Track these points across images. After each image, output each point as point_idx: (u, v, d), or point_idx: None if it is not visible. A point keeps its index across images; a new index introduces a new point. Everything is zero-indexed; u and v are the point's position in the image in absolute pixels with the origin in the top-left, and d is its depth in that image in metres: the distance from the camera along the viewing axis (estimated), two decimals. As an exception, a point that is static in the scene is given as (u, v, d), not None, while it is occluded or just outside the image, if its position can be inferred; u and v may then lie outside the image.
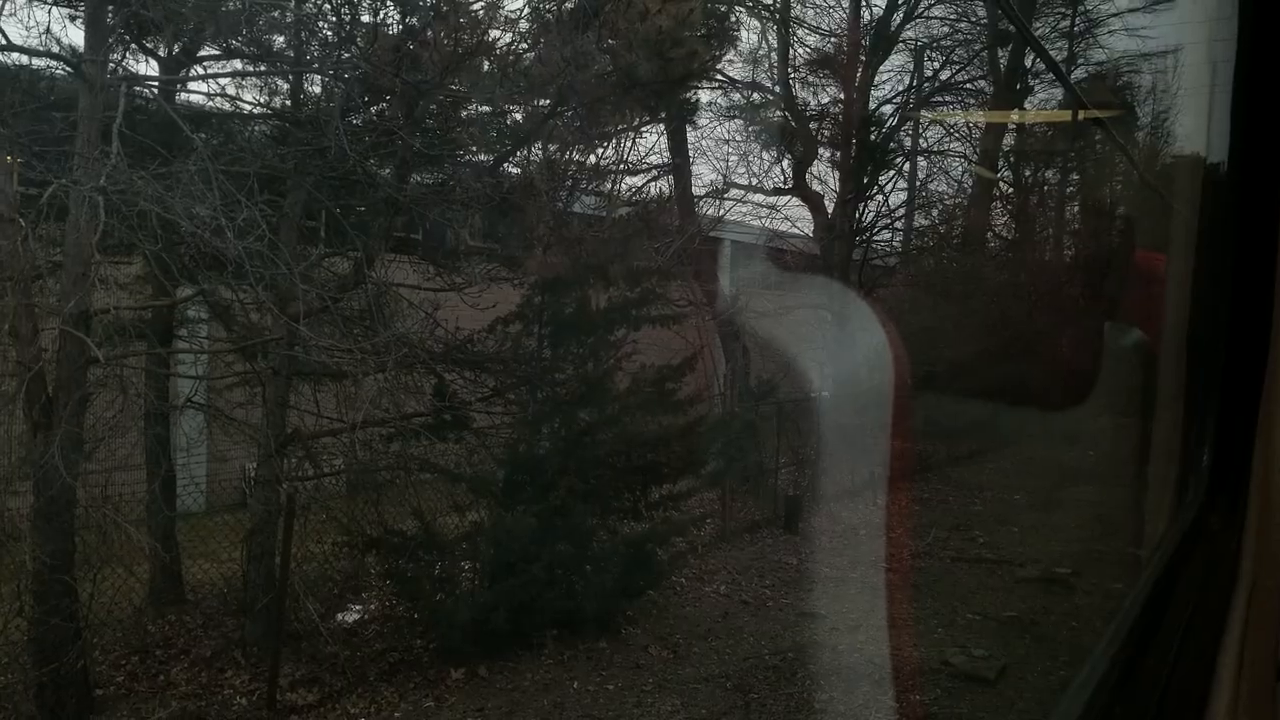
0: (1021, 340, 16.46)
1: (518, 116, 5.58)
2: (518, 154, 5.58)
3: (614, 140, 6.64)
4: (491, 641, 5.91)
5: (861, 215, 15.47)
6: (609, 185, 6.90)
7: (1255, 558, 2.01)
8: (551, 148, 5.67)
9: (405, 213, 5.29)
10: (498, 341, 6.30)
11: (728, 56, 11.98)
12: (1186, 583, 2.21)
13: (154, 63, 5.90)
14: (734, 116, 13.16)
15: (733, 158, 13.80)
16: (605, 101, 5.52)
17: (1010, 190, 19.99)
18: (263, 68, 5.38)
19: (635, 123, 6.46)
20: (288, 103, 5.85)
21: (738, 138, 13.79)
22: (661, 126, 11.48)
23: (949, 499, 12.11)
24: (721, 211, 13.01)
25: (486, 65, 5.22)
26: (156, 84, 5.20)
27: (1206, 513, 2.55)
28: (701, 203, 12.91)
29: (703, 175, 14.18)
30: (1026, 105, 19.10)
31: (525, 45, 5.33)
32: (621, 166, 7.53)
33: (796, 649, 6.46)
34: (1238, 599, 1.92)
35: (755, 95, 13.12)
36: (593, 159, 6.32)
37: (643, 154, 10.27)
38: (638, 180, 10.47)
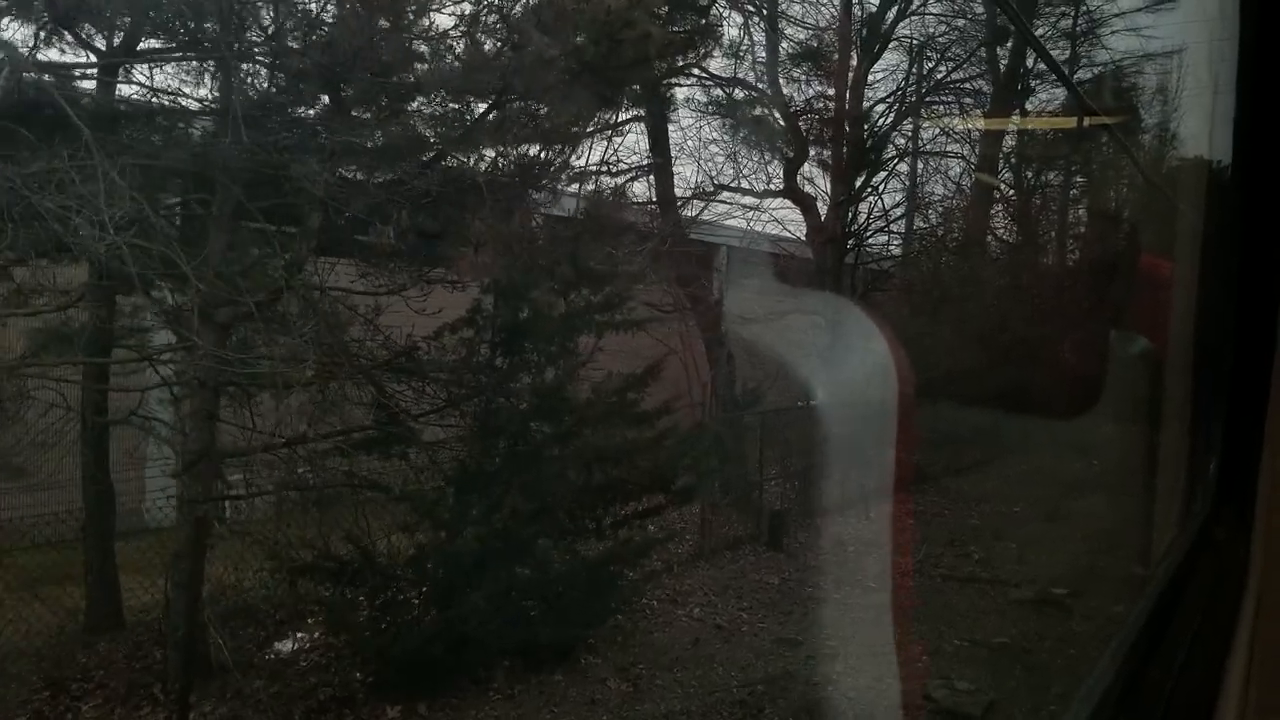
0: (1023, 347, 15.99)
1: (455, 106, 5.14)
2: (462, 147, 5.14)
3: (570, 133, 6.16)
4: (434, 676, 5.45)
5: (855, 218, 15.04)
6: (564, 182, 6.44)
7: (1263, 567, 1.94)
8: (494, 139, 5.23)
9: (334, 211, 4.84)
10: (444, 350, 5.85)
11: (710, 50, 11.56)
12: (1194, 593, 2.18)
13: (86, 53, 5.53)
14: (719, 114, 12.70)
15: (720, 158, 13.35)
16: (552, 89, 5.08)
17: (1011, 192, 19.47)
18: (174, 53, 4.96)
19: (590, 114, 5.99)
20: (213, 94, 5.42)
21: (725, 137, 13.31)
22: (643, 125, 11.08)
23: (945, 512, 11.61)
24: (706, 213, 12.58)
25: (421, 48, 4.80)
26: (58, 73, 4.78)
27: (1213, 522, 2.51)
28: (689, 204, 12.49)
29: (691, 176, 13.72)
30: (1028, 106, 18.70)
31: (463, 29, 4.90)
32: (579, 161, 7.07)
33: (768, 681, 5.98)
34: (1245, 609, 1.87)
35: (740, 92, 12.65)
36: (544, 153, 5.86)
37: (611, 151, 9.80)
38: (614, 179, 10.00)
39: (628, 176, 10.42)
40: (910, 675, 5.93)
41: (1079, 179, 20.77)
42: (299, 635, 5.64)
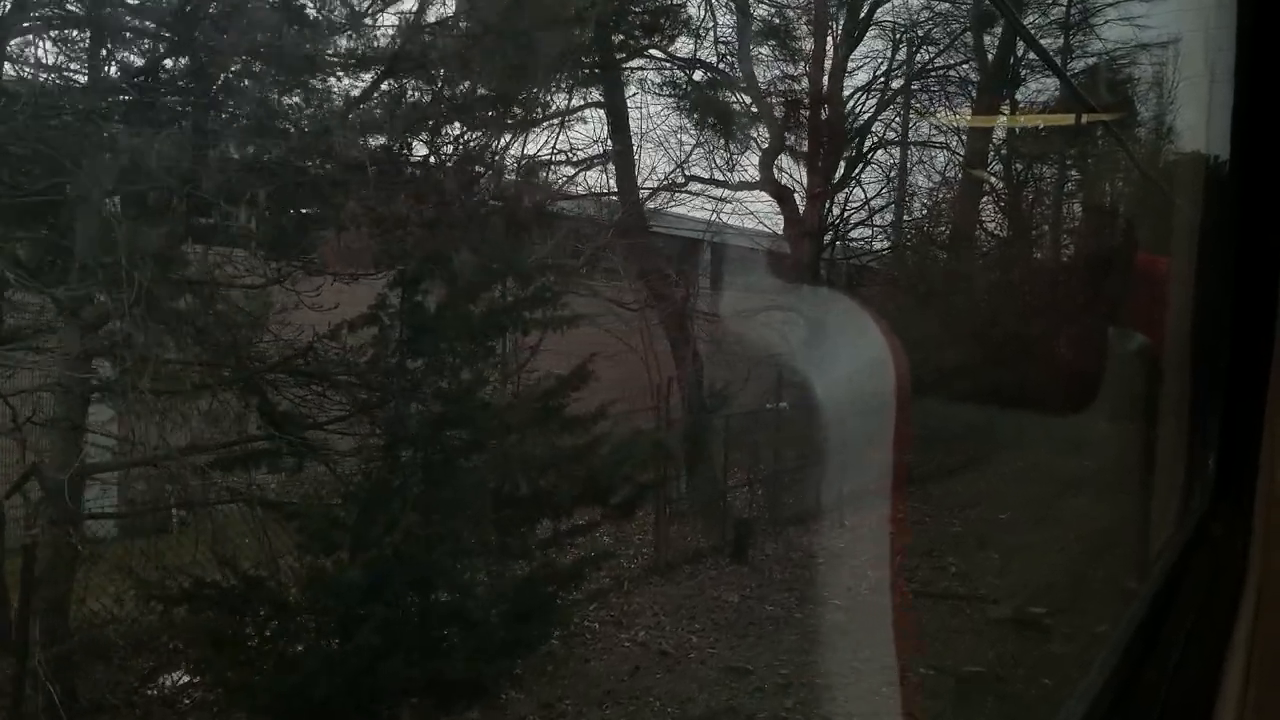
0: (1014, 343, 15.43)
1: (343, 78, 4.54)
2: (345, 124, 4.53)
3: (490, 109, 5.56)
4: (326, 717, 4.84)
5: (834, 210, 14.43)
6: (486, 165, 5.83)
7: (1262, 562, 1.93)
8: (385, 115, 4.63)
9: (197, 194, 4.24)
10: (345, 350, 5.23)
11: (675, 31, 10.95)
12: (1191, 589, 2.16)
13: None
14: (687, 100, 12.07)
15: (690, 147, 12.74)
16: (457, 58, 4.48)
17: (1000, 185, 18.83)
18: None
19: (510, 87, 5.37)
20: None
21: (694, 124, 12.67)
22: (601, 112, 10.47)
23: (926, 519, 10.98)
24: (674, 205, 11.97)
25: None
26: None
27: (1211, 518, 2.49)
28: (656, 195, 11.87)
29: (660, 166, 13.09)
30: (1017, 97, 18.09)
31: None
32: (520, 147, 6.46)
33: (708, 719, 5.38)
34: (1244, 606, 1.86)
35: (708, 76, 12.04)
36: (457, 131, 5.25)
37: (560, 136, 9.17)
38: (560, 167, 9.38)
39: (580, 164, 9.79)
40: (865, 713, 5.32)
41: (1071, 171, 20.19)
42: (168, 674, 5.02)
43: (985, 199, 18.08)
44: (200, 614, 4.92)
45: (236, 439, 5.17)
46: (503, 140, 6.74)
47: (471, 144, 5.52)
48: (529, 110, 7.39)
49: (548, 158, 9.34)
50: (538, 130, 9.20)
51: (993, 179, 18.30)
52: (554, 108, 8.76)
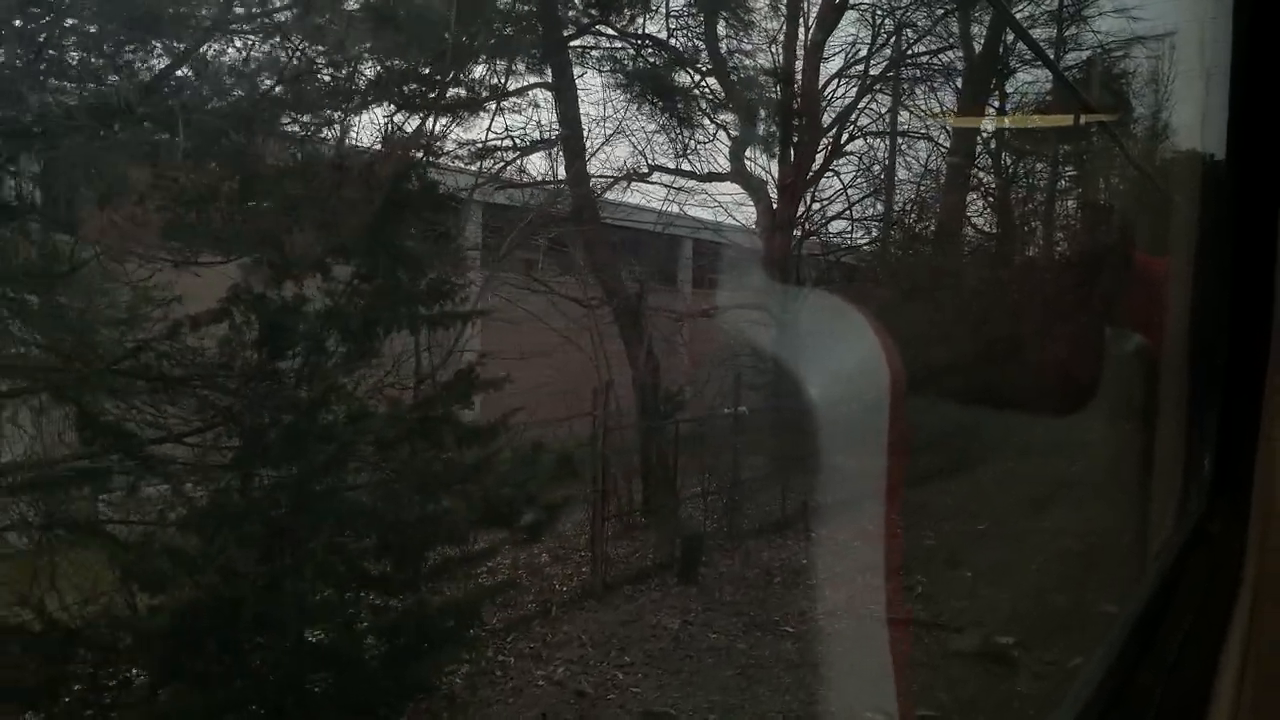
0: (1002, 343, 14.75)
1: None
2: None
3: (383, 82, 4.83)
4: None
5: (810, 203, 13.69)
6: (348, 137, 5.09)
7: (1258, 563, 1.92)
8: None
9: None
10: (188, 350, 4.49)
11: (633, 7, 10.21)
12: (1187, 590, 2.15)
13: None
14: (648, 83, 11.31)
15: (654, 134, 12.01)
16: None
17: (988, 179, 18.09)
18: None
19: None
20: None
21: (658, 110, 11.91)
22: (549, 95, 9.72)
23: (896, 532, 10.24)
24: (634, 196, 11.24)
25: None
26: None
27: (1208, 518, 2.48)
28: (617, 186, 11.13)
29: (619, 155, 12.33)
30: (1006, 88, 17.38)
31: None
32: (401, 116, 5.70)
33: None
34: (1240, 606, 1.85)
35: (667, 56, 11.28)
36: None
37: (496, 116, 8.43)
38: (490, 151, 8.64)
39: (522, 149, 9.06)
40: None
41: (1062, 166, 19.50)
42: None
43: (972, 194, 17.35)
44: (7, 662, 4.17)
45: (68, 455, 4.43)
46: (403, 115, 6.03)
47: (355, 115, 4.77)
48: (442, 84, 6.69)
49: (479, 139, 8.67)
50: (466, 110, 8.55)
51: (980, 173, 17.59)
52: (483, 84, 8.04)
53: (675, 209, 11.53)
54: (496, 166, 8.88)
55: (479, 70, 7.99)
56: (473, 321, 5.50)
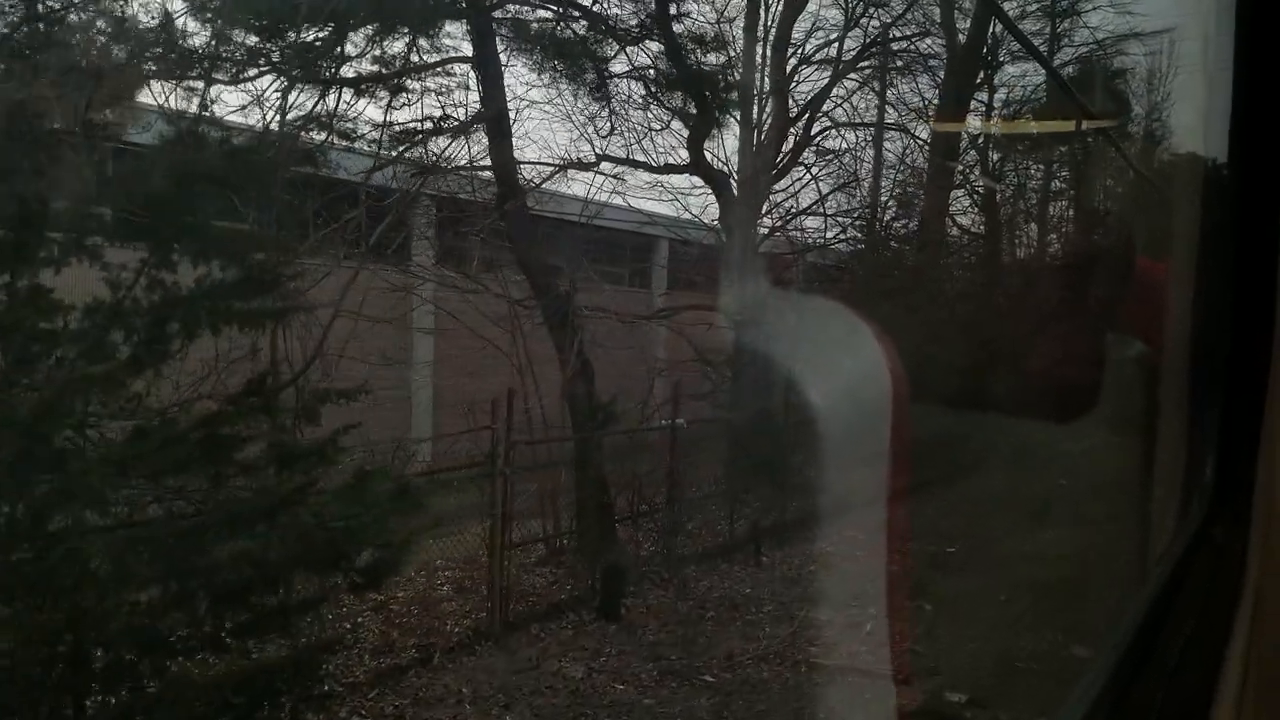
0: (986, 349, 13.88)
1: None
2: None
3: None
4: None
5: (777, 198, 12.77)
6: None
7: (1261, 566, 1.88)
8: None
9: None
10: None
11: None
12: (1189, 594, 2.16)
13: None
14: (593, 64, 10.38)
15: (602, 120, 11.10)
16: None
17: (976, 178, 17.15)
18: None
19: None
20: None
21: (606, 93, 10.97)
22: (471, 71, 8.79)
23: (856, 555, 9.29)
24: (577, 187, 10.32)
25: None
26: None
27: (1210, 523, 2.46)
28: (561, 175, 10.20)
29: (562, 142, 11.36)
30: (996, 82, 16.47)
31: None
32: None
33: None
34: (1242, 612, 1.82)
35: (611, 34, 10.35)
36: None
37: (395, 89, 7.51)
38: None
39: (430, 128, 8.12)
40: None
41: (1054, 164, 18.61)
42: None
43: (958, 192, 16.43)
44: None
45: None
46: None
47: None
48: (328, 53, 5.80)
49: (385, 117, 7.77)
50: (366, 84, 7.65)
51: (966, 170, 16.66)
52: (386, 55, 7.14)
53: (619, 200, 10.62)
54: (402, 147, 7.94)
55: (382, 40, 7.06)
56: (281, 319, 4.55)
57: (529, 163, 9.45)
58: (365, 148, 7.91)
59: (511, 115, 8.73)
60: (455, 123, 8.45)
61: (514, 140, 8.83)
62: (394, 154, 7.80)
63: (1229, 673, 1.61)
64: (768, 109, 12.36)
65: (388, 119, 7.50)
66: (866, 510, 10.96)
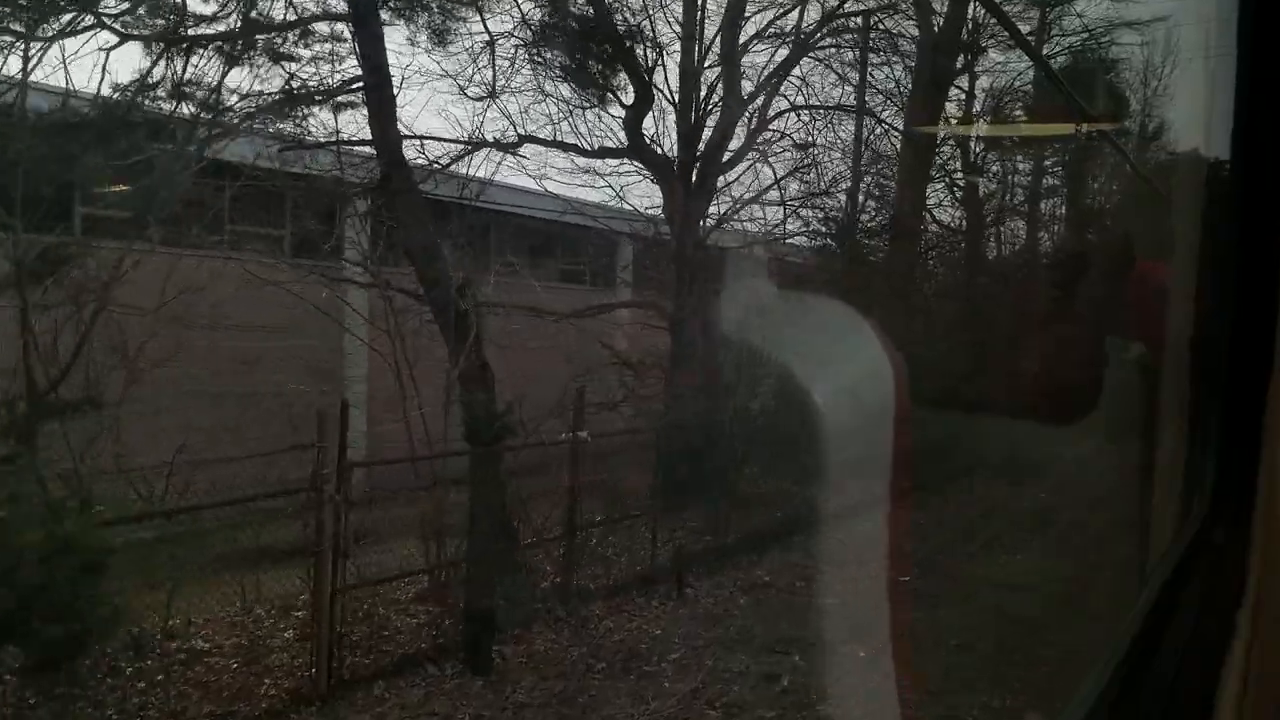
0: (956, 354, 12.85)
1: None
2: None
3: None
4: None
5: (727, 187, 11.58)
6: None
7: (1262, 570, 1.88)
8: None
9: None
10: None
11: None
12: (1190, 595, 2.17)
13: None
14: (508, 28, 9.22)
15: (524, 94, 9.94)
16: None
17: (952, 169, 15.99)
18: None
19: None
20: None
21: (524, 63, 9.81)
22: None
23: (795, 585, 8.15)
24: (487, 168, 9.15)
25: None
26: None
27: (1210, 524, 2.43)
28: (468, 155, 9.05)
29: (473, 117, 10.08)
30: (978, 70, 15.33)
31: None
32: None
33: None
34: (1244, 613, 1.82)
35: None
36: None
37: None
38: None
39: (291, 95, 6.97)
40: None
41: (1043, 159, 17.53)
42: None
43: (933, 185, 15.28)
44: None
45: None
46: None
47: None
48: None
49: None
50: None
51: (944, 162, 15.52)
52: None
53: (536, 185, 9.45)
54: (257, 116, 6.81)
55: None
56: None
57: (422, 137, 8.32)
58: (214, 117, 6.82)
59: (399, 83, 7.59)
60: (327, 89, 7.32)
61: (414, 115, 7.75)
62: (242, 123, 6.66)
63: (1230, 673, 1.60)
64: (718, 87, 11.22)
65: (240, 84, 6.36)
66: (819, 531, 9.82)
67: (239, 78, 7.09)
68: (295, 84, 7.22)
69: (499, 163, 9.20)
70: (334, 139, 7.23)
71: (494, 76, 8.75)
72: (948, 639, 6.52)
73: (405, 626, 6.17)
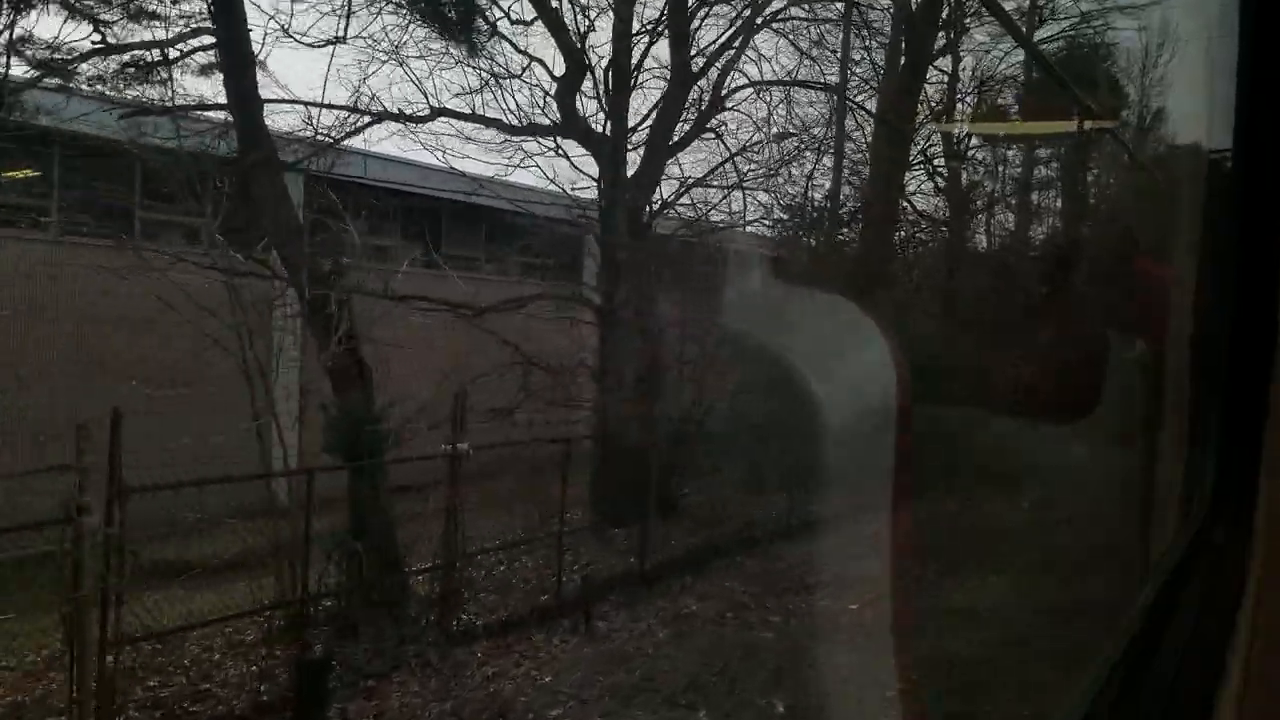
0: (925, 349, 11.77)
1: None
2: None
3: None
4: None
5: (670, 169, 10.50)
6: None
7: (1261, 568, 1.88)
8: None
9: None
10: None
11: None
12: (1190, 596, 2.19)
13: None
14: None
15: (438, 61, 8.82)
16: None
17: (929, 153, 14.90)
18: None
19: None
20: None
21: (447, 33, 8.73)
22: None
23: (724, 616, 7.08)
24: (373, 138, 8.05)
25: None
26: None
27: (1210, 524, 2.45)
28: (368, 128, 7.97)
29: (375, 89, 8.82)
30: (963, 52, 14.29)
31: None
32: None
33: None
34: (1244, 614, 1.83)
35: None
36: None
37: None
38: None
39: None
40: None
41: (1029, 146, 16.49)
42: None
43: (911, 172, 14.20)
44: None
45: None
46: None
47: None
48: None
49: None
50: None
51: (925, 150, 14.46)
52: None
53: (443, 163, 8.36)
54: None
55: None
56: None
57: (302, 102, 7.25)
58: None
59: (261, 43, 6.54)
60: (164, 43, 6.25)
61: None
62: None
63: (1230, 674, 1.64)
64: (665, 59, 10.17)
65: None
66: (763, 549, 8.76)
67: (71, 30, 6.05)
68: (135, 38, 6.15)
69: (409, 136, 8.11)
70: (174, 103, 6.16)
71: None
72: (884, 687, 5.44)
73: (227, 679, 5.11)
